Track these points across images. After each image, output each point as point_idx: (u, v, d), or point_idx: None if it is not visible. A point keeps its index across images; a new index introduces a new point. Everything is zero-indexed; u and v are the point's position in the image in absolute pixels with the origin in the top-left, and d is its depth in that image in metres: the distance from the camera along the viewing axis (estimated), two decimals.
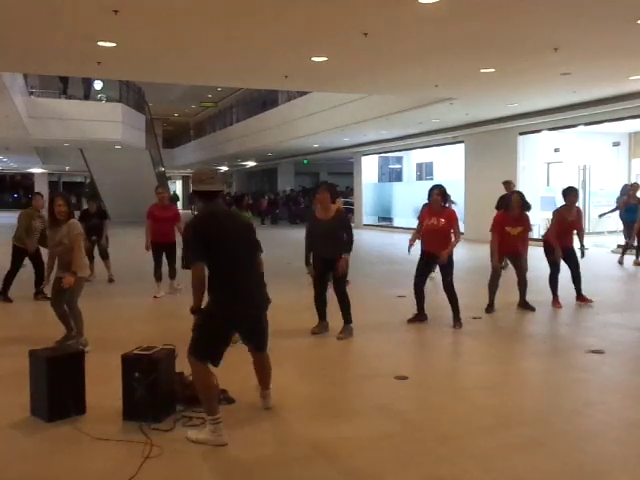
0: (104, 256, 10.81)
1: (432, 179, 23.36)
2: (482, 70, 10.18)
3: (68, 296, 5.94)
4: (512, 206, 7.68)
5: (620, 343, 6.37)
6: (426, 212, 7.08)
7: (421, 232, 7.09)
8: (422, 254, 7.06)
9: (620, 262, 12.19)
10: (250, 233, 4.13)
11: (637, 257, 12.20)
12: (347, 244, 6.41)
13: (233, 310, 3.87)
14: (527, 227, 7.71)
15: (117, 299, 9.09)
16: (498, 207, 12.06)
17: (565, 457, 3.64)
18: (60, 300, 5.99)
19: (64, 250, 5.89)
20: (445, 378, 5.32)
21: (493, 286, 7.76)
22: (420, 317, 7.15)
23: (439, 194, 6.86)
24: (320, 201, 6.44)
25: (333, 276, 6.57)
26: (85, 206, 11.78)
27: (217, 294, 3.86)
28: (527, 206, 7.73)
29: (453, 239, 6.91)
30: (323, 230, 6.40)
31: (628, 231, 12.48)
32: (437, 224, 6.85)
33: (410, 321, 7.13)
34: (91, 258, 10.59)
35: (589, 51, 8.88)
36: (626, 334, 6.80)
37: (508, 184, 12.23)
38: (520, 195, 7.78)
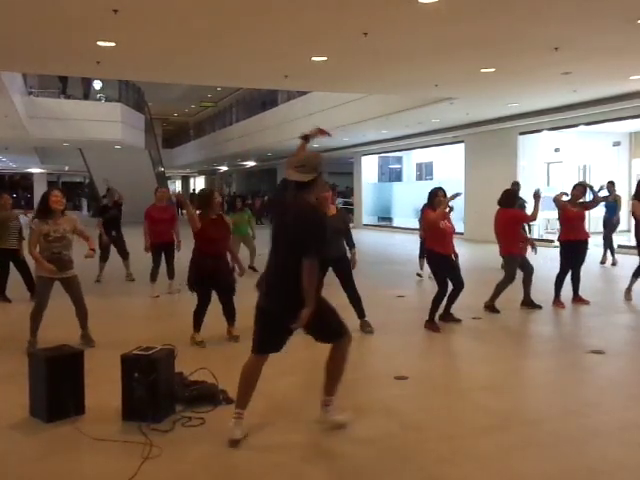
0: (124, 256, 10.64)
1: (432, 179, 23.34)
2: (482, 70, 10.18)
3: (76, 292, 5.95)
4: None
5: (621, 343, 6.37)
6: (441, 215, 6.95)
7: (435, 234, 6.98)
8: (444, 257, 6.90)
9: (613, 263, 12.27)
10: (297, 231, 3.70)
11: (605, 256, 12.25)
12: (350, 239, 6.66)
13: (261, 303, 3.89)
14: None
15: (116, 299, 9.07)
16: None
17: (565, 457, 3.63)
18: (46, 300, 5.88)
19: (67, 244, 5.80)
20: (445, 378, 5.31)
21: (502, 288, 7.72)
22: (453, 318, 7.15)
23: (444, 195, 6.93)
24: (326, 199, 6.50)
25: (341, 274, 6.60)
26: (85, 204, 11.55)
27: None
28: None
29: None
30: (332, 227, 6.43)
31: (608, 231, 12.37)
32: (451, 226, 7.01)
33: (443, 320, 7.07)
34: (105, 257, 10.50)
35: (589, 51, 8.87)
36: (627, 334, 6.79)
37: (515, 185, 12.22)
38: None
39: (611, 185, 12.21)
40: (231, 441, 3.74)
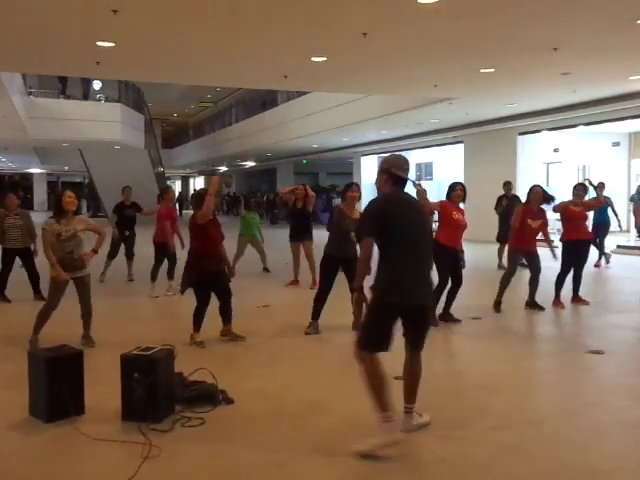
0: (129, 256, 10.67)
1: (432, 179, 23.35)
2: (482, 70, 10.18)
3: (85, 292, 5.96)
4: (532, 199, 7.76)
5: (620, 344, 6.37)
6: (452, 207, 7.09)
7: (446, 227, 7.06)
8: (450, 250, 6.93)
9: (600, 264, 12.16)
10: (428, 225, 4.11)
11: (600, 259, 12.12)
12: None
13: (390, 298, 3.75)
14: (545, 221, 7.80)
15: (116, 299, 9.07)
16: (497, 208, 12.09)
17: (565, 457, 3.63)
18: (59, 300, 5.93)
19: (78, 243, 5.83)
20: (445, 378, 5.30)
21: (505, 282, 7.79)
22: (453, 318, 7.17)
23: (463, 190, 7.16)
24: (353, 199, 6.71)
25: (350, 276, 6.53)
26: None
27: (380, 279, 3.79)
28: (550, 198, 7.84)
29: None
30: (347, 226, 6.51)
31: (600, 233, 12.05)
32: (463, 220, 7.08)
33: (443, 320, 7.08)
34: (113, 255, 10.51)
35: (589, 51, 8.87)
36: (626, 335, 6.79)
37: (508, 185, 12.27)
38: (542, 189, 7.88)
39: (602, 186, 12.12)
40: (392, 442, 3.63)
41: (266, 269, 11.73)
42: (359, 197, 6.84)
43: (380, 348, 3.79)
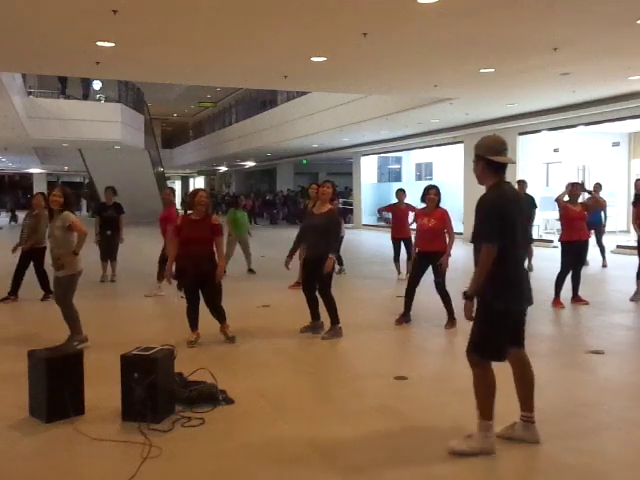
0: (111, 258, 10.61)
1: (432, 179, 23.36)
2: (482, 70, 10.18)
3: (55, 293, 5.90)
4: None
5: (620, 343, 6.37)
6: (419, 213, 7.24)
7: (417, 231, 7.12)
8: (419, 254, 7.03)
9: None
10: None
11: (604, 259, 12.02)
12: (334, 243, 6.49)
13: (517, 307, 3.64)
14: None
15: (116, 300, 9.07)
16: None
17: (565, 458, 3.63)
18: (65, 298, 5.93)
19: (54, 243, 5.84)
20: (444, 378, 5.30)
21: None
22: (407, 318, 7.16)
23: (436, 194, 6.94)
24: (323, 194, 6.57)
25: (318, 278, 6.49)
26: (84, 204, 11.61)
27: (505, 287, 3.57)
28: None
29: (448, 239, 6.96)
30: (314, 224, 6.53)
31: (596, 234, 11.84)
32: (428, 224, 6.90)
33: (398, 322, 7.11)
34: (104, 258, 10.53)
35: (589, 51, 8.88)
36: (626, 334, 6.79)
37: (521, 184, 11.55)
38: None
39: (599, 187, 11.93)
40: (487, 451, 3.60)
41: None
42: (332, 193, 6.67)
43: (498, 358, 3.65)
